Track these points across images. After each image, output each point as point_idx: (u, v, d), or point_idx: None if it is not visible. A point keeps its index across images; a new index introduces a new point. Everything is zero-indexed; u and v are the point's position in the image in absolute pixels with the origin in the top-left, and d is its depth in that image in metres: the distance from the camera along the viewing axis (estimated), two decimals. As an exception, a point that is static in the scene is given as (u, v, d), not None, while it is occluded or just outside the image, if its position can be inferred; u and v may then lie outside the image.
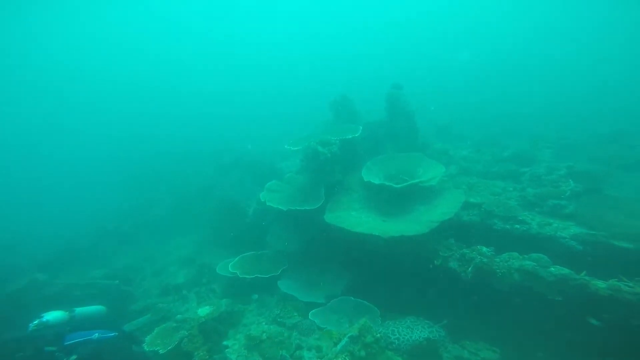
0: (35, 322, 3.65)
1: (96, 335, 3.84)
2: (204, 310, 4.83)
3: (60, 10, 23.09)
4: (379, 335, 3.44)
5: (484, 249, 3.96)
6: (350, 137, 6.32)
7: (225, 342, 4.23)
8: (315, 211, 5.62)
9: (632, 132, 7.38)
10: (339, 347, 3.23)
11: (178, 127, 18.64)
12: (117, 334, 4.06)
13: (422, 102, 8.59)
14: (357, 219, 5.19)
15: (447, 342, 3.84)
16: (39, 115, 26.69)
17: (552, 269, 3.32)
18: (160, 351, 4.03)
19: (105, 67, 31.44)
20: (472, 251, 3.99)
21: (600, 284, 3.11)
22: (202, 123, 18.91)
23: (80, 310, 4.22)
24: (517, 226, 4.28)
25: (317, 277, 5.63)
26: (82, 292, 6.49)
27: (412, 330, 3.91)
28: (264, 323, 4.71)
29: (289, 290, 5.35)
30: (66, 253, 8.94)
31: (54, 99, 28.54)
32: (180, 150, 13.70)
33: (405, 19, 32.09)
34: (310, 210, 5.64)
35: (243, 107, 20.86)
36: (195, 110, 22.56)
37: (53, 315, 3.83)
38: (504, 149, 7.24)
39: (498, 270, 3.64)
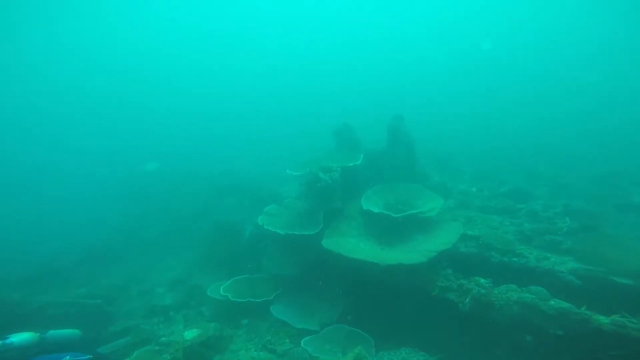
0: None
1: (67, 358, 3.64)
2: (190, 333, 4.61)
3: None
4: (374, 365, 3.30)
5: (482, 280, 3.92)
6: (352, 165, 6.47)
7: None
8: (313, 236, 5.61)
9: (624, 172, 7.60)
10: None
11: (175, 147, 18.76)
12: (91, 357, 3.84)
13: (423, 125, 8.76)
14: (354, 245, 5.17)
15: None
16: (27, 126, 26.71)
17: (552, 302, 3.29)
18: None
19: (101, 83, 31.66)
20: (470, 282, 3.95)
21: (603, 319, 3.07)
22: (201, 144, 19.10)
23: (53, 332, 4.02)
24: (515, 259, 4.27)
25: (312, 303, 5.47)
26: (58, 311, 6.16)
27: (408, 363, 3.76)
28: (253, 350, 4.51)
29: (281, 315, 5.18)
30: (49, 270, 8.61)
31: (46, 111, 28.60)
32: (177, 170, 13.72)
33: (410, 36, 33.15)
34: (309, 235, 5.63)
35: (243, 130, 21.17)
36: (193, 131, 22.84)
37: (20, 337, 3.61)
38: (501, 185, 7.39)
39: (497, 302, 3.59)
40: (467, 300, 3.78)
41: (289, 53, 34.34)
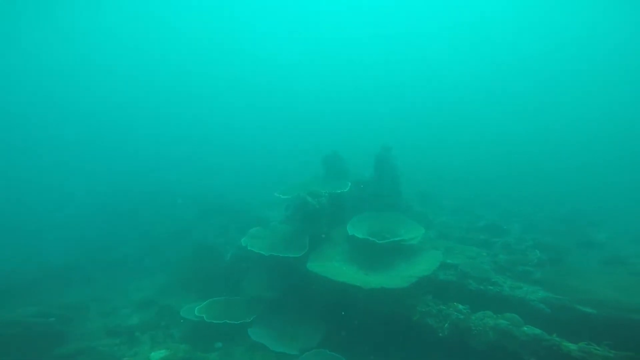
0: None
1: None
2: (157, 355, 4.35)
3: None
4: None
5: (460, 306, 4.07)
6: (339, 192, 6.70)
7: None
8: (297, 259, 5.64)
9: (587, 211, 8.25)
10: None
11: (155, 169, 18.42)
12: None
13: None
14: (339, 269, 5.24)
15: None
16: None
17: (525, 328, 3.46)
18: None
19: (85, 97, 31.00)
20: (449, 307, 4.08)
21: (572, 346, 3.24)
22: (186, 165, 18.90)
23: None
24: (491, 287, 4.48)
25: (292, 327, 5.37)
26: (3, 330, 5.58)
27: (388, 390, 3.73)
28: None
29: (259, 338, 5.04)
30: (2, 287, 7.89)
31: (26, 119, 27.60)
32: (159, 192, 13.43)
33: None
34: (293, 258, 5.67)
35: (228, 155, 21.21)
36: (177, 153, 22.62)
37: None
38: (478, 219, 7.80)
39: (474, 328, 3.72)
40: (446, 325, 3.89)
41: (280, 71, 35.42)
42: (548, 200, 10.56)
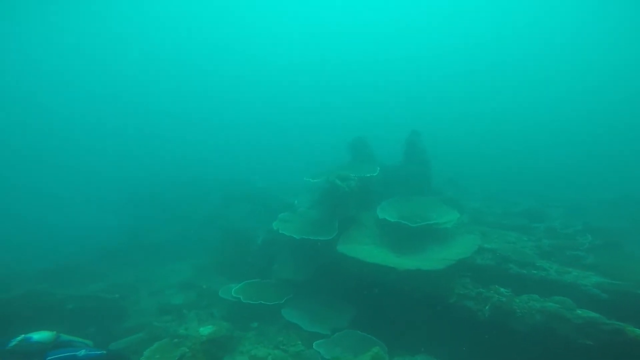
0: (19, 338, 3.62)
1: (82, 352, 3.72)
2: (206, 330, 4.60)
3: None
4: (392, 366, 3.24)
5: (502, 289, 3.89)
6: (368, 175, 6.58)
7: None
8: (327, 242, 5.63)
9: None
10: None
11: (186, 157, 19.17)
12: (104, 352, 3.88)
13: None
14: (370, 252, 5.17)
15: None
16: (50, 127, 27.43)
17: (579, 311, 3.24)
18: None
19: (114, 88, 32.45)
20: (490, 290, 3.91)
21: (639, 331, 2.99)
22: (212, 153, 19.49)
23: (66, 337, 4.11)
24: (535, 272, 4.24)
25: (323, 309, 5.40)
26: (77, 305, 6.19)
27: (425, 370, 3.66)
28: (264, 349, 4.43)
29: (292, 318, 5.11)
30: (66, 267, 8.67)
31: (60, 115, 29.40)
32: (187, 179, 13.95)
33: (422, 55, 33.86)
34: (323, 241, 5.66)
35: (256, 142, 21.57)
36: (205, 141, 23.30)
37: (39, 335, 3.75)
38: (514, 205, 7.40)
39: (518, 310, 3.54)
40: (487, 308, 3.74)
41: (299, 64, 35.27)
42: (588, 187, 9.86)
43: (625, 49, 25.56)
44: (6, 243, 11.56)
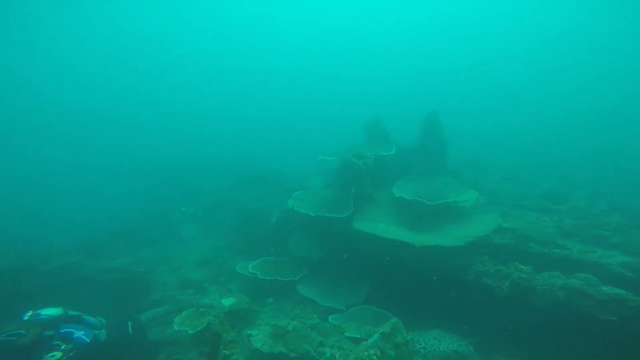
0: (29, 313, 3.94)
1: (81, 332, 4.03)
2: (228, 301, 4.81)
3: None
4: (409, 337, 3.26)
5: (522, 266, 3.82)
6: (385, 154, 6.50)
7: (248, 332, 4.15)
8: (342, 220, 5.64)
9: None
10: (369, 341, 3.07)
11: (201, 143, 19.55)
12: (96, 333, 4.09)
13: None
14: (386, 229, 5.15)
15: (476, 358, 3.56)
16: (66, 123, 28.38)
17: (605, 288, 3.16)
18: (190, 332, 4.07)
19: (130, 78, 33.19)
20: (510, 267, 3.85)
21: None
22: (225, 139, 19.79)
23: (73, 312, 4.37)
24: (557, 250, 4.14)
25: (337, 285, 5.48)
26: (106, 276, 6.67)
27: (440, 342, 3.68)
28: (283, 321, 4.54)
29: (308, 294, 5.20)
30: (94, 243, 9.17)
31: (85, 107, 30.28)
32: (201, 164, 14.21)
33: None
34: (338, 218, 5.67)
35: (267, 128, 21.73)
36: (219, 129, 23.62)
37: (48, 311, 4.06)
38: (534, 187, 7.19)
39: (539, 287, 3.48)
40: (506, 284, 3.69)
41: (314, 55, 34.84)
42: (614, 170, 9.44)
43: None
44: (44, 221, 12.56)
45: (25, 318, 3.89)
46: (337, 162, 6.57)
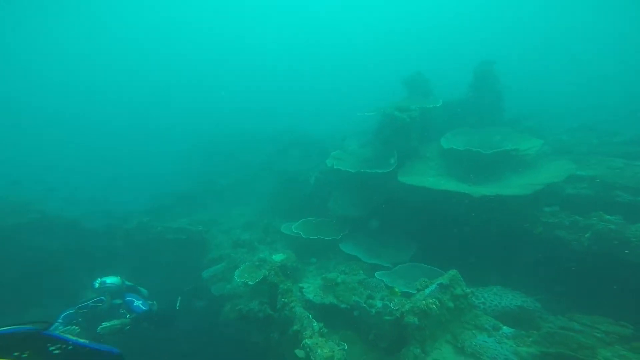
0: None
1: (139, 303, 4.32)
2: (278, 257, 4.94)
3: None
4: (469, 290, 2.96)
5: (608, 216, 3.23)
6: (431, 106, 5.88)
7: (299, 285, 4.19)
8: (385, 175, 5.28)
9: None
10: (427, 291, 2.84)
11: (243, 112, 20.18)
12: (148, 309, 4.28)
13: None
14: (436, 181, 4.70)
15: (546, 315, 3.16)
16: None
17: None
18: (250, 282, 4.26)
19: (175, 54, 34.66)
20: (591, 218, 3.28)
21: None
22: (263, 109, 20.11)
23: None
24: (656, 197, 3.43)
25: (382, 244, 5.25)
26: (174, 236, 7.40)
27: (501, 298, 3.33)
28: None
29: (352, 251, 5.05)
30: (159, 206, 10.02)
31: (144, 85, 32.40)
32: (244, 131, 14.53)
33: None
34: (381, 173, 5.31)
35: (304, 96, 21.59)
36: (257, 97, 24.03)
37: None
38: (615, 135, 6.12)
39: (634, 239, 2.91)
40: (588, 235, 3.15)
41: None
42: None
43: None
44: (120, 188, 14.75)
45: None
46: (377, 118, 6.11)
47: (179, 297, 4.71)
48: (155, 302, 4.59)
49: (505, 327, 2.84)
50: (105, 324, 3.78)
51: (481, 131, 5.71)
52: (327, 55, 31.96)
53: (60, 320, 3.87)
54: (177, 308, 4.60)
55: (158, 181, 13.93)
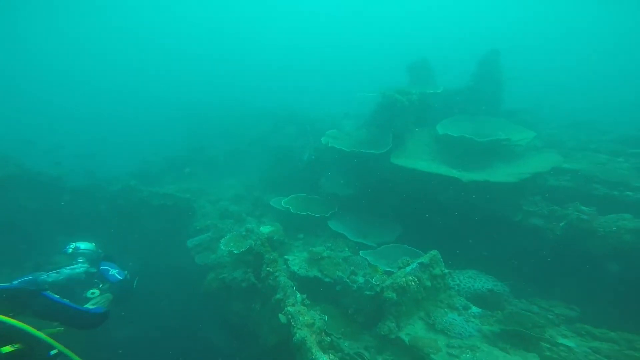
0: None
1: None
2: (265, 229, 4.99)
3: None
4: (447, 271, 3.13)
5: (583, 207, 3.38)
6: (431, 92, 5.87)
7: (285, 257, 4.30)
8: (379, 156, 5.33)
9: None
10: (407, 269, 2.99)
11: (240, 88, 19.70)
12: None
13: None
14: (428, 165, 4.79)
15: (511, 298, 3.39)
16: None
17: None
18: (235, 251, 4.31)
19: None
20: (567, 208, 3.43)
21: None
22: (262, 86, 19.72)
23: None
24: (630, 193, 3.59)
25: (369, 224, 5.38)
26: (160, 202, 7.29)
27: (475, 281, 3.53)
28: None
29: (339, 229, 5.18)
30: (146, 172, 9.88)
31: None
32: (236, 105, 14.27)
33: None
34: (375, 154, 5.36)
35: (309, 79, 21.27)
36: (257, 76, 23.44)
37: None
38: (604, 133, 6.25)
39: (601, 230, 3.08)
40: (561, 225, 3.31)
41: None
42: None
43: None
44: (104, 153, 14.21)
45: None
46: (377, 100, 6.08)
47: (137, 277, 4.23)
48: (127, 273, 4.13)
49: (474, 307, 3.03)
50: (96, 296, 3.45)
51: (477, 120, 5.76)
52: (338, 41, 31.66)
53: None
54: (134, 287, 4.45)
55: (149, 148, 13.63)
